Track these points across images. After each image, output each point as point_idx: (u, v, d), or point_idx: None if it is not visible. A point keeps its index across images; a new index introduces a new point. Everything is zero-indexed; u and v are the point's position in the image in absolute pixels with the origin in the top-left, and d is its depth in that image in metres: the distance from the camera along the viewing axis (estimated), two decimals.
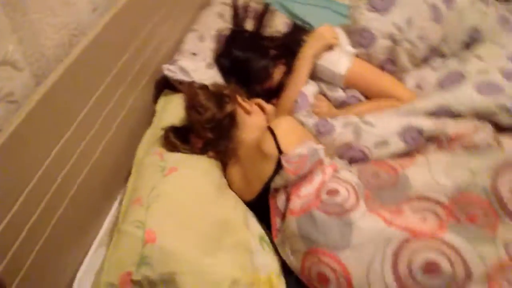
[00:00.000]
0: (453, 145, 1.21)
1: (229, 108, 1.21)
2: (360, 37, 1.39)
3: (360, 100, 1.41)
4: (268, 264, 1.04)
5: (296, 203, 1.07)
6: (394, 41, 1.37)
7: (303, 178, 1.10)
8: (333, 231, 1.00)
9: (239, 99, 1.26)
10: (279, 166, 1.10)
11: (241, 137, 1.22)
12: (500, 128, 1.22)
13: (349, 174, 1.15)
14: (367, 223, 1.00)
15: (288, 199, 1.10)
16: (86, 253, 1.16)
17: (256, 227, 1.12)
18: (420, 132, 1.24)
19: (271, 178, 1.11)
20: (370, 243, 0.97)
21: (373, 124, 1.28)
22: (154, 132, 1.32)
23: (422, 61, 1.45)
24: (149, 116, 1.42)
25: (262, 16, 1.65)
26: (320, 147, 1.16)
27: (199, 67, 1.44)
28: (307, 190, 1.08)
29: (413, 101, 1.31)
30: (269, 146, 1.12)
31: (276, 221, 1.11)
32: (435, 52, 1.46)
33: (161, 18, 1.45)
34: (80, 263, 1.14)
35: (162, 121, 1.33)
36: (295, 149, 1.11)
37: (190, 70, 1.42)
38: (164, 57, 1.50)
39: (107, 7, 1.27)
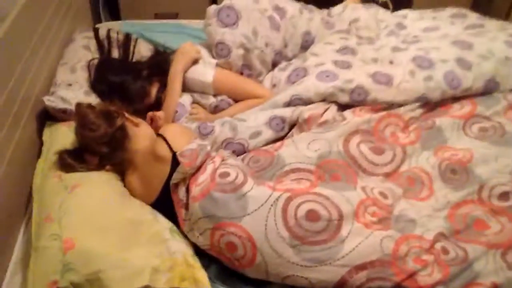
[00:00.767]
0: (310, 125, 1.50)
1: (119, 122, 1.32)
2: (218, 50, 1.62)
3: (230, 104, 1.64)
4: (181, 248, 1.17)
5: (195, 190, 1.22)
6: (246, 49, 1.63)
7: (198, 169, 1.27)
8: (231, 205, 1.18)
9: (126, 114, 1.38)
10: (174, 165, 1.26)
11: (134, 147, 1.34)
12: (341, 106, 1.53)
13: (235, 160, 1.35)
14: (257, 192, 1.20)
15: (188, 190, 1.25)
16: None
17: (164, 221, 1.24)
18: (283, 119, 1.51)
19: (169, 177, 1.26)
20: (262, 207, 1.17)
21: (245, 120, 1.52)
22: (47, 159, 1.36)
23: (273, 65, 1.75)
24: (38, 148, 1.46)
25: (125, 44, 1.81)
26: (206, 143, 1.35)
27: (77, 94, 1.53)
28: (203, 178, 1.24)
29: (272, 97, 1.58)
30: (163, 149, 1.27)
31: (182, 212, 1.25)
32: (281, 56, 1.76)
33: (31, 54, 1.51)
34: None
35: (53, 148, 1.37)
36: (185, 147, 1.28)
37: (70, 98, 1.49)
38: (40, 91, 1.55)
39: None
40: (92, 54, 1.75)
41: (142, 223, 1.17)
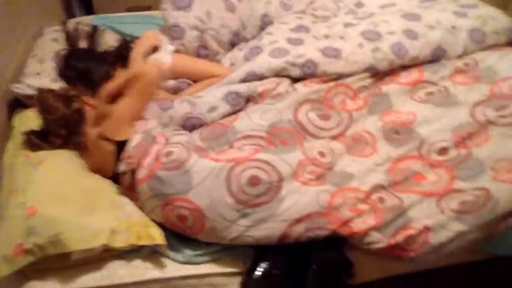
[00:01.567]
0: (263, 98, 1.58)
1: (76, 105, 1.41)
2: (172, 32, 1.73)
3: (189, 84, 1.73)
4: (138, 211, 1.27)
5: (142, 172, 1.28)
6: (200, 30, 1.73)
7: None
8: (177, 181, 1.24)
9: (85, 97, 1.47)
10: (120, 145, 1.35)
11: (90, 130, 1.42)
12: (294, 80, 1.62)
13: (179, 137, 1.40)
14: (200, 166, 1.26)
15: (133, 172, 1.31)
16: None
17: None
18: (238, 94, 1.60)
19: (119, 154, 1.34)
20: (206, 179, 1.24)
21: (203, 96, 1.61)
22: (16, 141, 1.46)
23: (232, 45, 1.84)
24: (9, 132, 1.56)
25: (92, 35, 1.90)
26: (152, 127, 1.42)
27: (44, 82, 1.63)
28: (148, 160, 1.30)
29: (229, 74, 1.67)
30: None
31: (130, 194, 1.32)
32: (239, 37, 1.85)
33: (1, 48, 1.61)
34: None
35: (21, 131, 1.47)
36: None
37: (37, 85, 1.59)
38: (11, 82, 1.66)
39: None
40: (60, 46, 1.84)
41: (101, 190, 1.28)
